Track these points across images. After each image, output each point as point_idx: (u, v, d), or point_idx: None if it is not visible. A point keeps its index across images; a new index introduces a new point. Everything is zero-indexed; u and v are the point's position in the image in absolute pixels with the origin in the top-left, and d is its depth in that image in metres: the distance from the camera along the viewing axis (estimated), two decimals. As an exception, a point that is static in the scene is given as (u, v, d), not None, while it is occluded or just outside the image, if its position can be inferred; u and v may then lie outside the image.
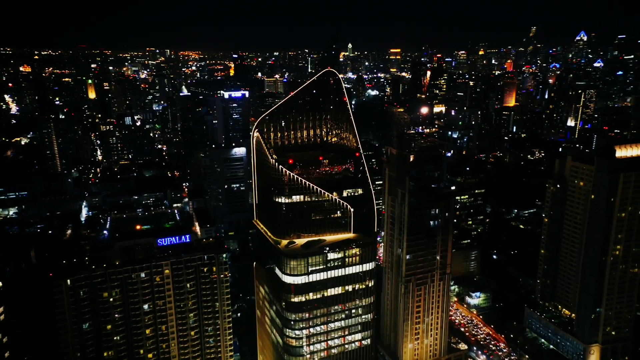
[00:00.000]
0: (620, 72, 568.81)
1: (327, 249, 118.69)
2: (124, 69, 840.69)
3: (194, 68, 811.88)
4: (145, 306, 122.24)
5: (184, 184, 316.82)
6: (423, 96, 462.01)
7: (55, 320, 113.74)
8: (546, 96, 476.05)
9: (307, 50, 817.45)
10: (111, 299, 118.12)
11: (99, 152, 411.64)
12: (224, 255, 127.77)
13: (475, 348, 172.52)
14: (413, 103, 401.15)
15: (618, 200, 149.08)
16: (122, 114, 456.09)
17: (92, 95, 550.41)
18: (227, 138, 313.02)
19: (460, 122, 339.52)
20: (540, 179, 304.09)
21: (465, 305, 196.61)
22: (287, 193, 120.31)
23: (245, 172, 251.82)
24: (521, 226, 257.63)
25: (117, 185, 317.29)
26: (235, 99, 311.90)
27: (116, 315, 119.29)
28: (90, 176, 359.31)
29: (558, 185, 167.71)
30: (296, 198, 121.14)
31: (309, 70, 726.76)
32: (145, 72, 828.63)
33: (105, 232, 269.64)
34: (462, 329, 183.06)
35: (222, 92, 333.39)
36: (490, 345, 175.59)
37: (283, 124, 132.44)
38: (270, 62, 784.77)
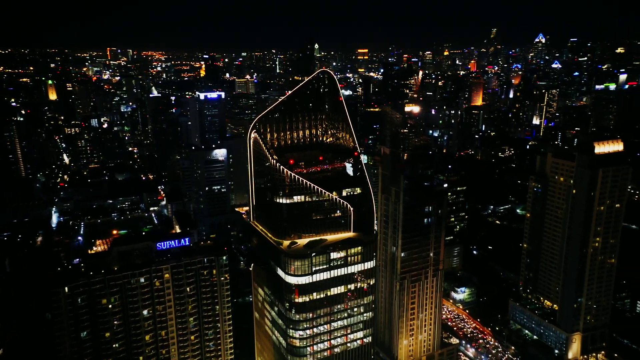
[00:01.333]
0: (576, 73, 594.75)
1: (331, 247, 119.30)
2: (84, 69, 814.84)
3: (159, 69, 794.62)
4: (145, 312, 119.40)
5: (159, 187, 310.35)
6: (415, 95, 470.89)
7: (53, 330, 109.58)
8: (510, 95, 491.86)
9: (274, 51, 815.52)
10: (110, 306, 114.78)
11: (65, 156, 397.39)
12: (224, 258, 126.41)
13: (464, 342, 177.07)
14: (386, 103, 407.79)
15: (597, 194, 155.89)
16: (88, 116, 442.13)
17: (52, 96, 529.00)
18: (203, 139, 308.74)
19: (440, 121, 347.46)
20: (512, 176, 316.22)
21: (451, 300, 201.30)
22: (288, 194, 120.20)
23: (227, 173, 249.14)
24: (497, 222, 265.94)
25: (89, 189, 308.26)
26: (211, 100, 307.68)
27: (115, 322, 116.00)
28: (58, 181, 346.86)
29: (539, 181, 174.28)
30: (297, 198, 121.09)
31: (278, 71, 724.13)
32: (108, 72, 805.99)
33: (79, 238, 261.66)
34: (450, 324, 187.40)
35: (196, 92, 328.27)
36: (478, 339, 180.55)
37: (279, 124, 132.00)
38: (237, 63, 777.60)
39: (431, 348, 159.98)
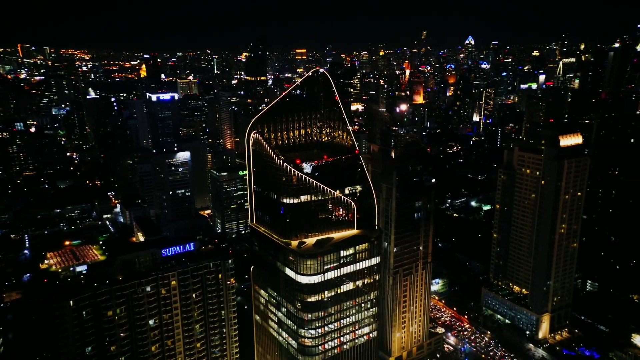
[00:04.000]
0: (504, 73, 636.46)
1: (341, 245, 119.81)
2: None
3: (85, 69, 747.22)
4: (151, 321, 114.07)
5: (110, 194, 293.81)
6: (403, 93, 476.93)
7: (57, 347, 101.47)
8: (448, 94, 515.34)
9: (208, 51, 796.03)
10: (116, 317, 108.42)
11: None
12: (229, 262, 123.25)
13: (444, 330, 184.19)
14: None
15: (564, 184, 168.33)
16: (10, 119, 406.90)
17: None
18: (156, 143, 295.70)
19: (405, 119, 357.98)
20: (462, 170, 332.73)
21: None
22: (295, 193, 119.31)
23: (190, 176, 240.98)
24: (455, 215, 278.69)
25: (30, 198, 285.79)
26: (163, 102, 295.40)
27: (121, 334, 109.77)
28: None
29: (507, 174, 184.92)
30: (303, 198, 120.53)
31: (216, 71, 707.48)
32: (24, 72, 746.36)
33: (25, 251, 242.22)
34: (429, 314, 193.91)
35: (148, 94, 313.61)
36: (456, 326, 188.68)
37: (277, 124, 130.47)
38: (171, 63, 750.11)
39: (420, 339, 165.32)
